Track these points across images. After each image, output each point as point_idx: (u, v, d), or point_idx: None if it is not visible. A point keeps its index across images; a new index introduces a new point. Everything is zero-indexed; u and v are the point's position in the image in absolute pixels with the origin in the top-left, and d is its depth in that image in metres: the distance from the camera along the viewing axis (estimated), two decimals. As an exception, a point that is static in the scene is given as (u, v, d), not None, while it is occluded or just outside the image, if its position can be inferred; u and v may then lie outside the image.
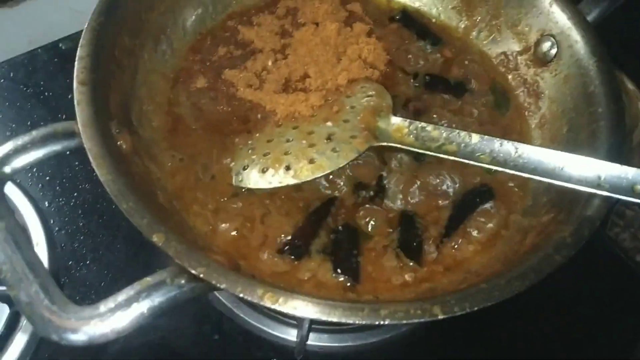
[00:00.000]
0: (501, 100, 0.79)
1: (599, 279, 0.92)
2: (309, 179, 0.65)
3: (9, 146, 0.56)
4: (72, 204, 0.86)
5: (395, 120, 0.69)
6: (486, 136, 0.65)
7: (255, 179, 0.66)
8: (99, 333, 0.48)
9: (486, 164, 0.64)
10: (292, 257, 0.63)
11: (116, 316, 0.49)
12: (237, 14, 0.84)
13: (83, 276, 0.81)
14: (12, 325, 0.75)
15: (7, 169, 0.56)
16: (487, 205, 0.70)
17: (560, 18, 0.75)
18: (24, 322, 0.75)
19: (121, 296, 0.50)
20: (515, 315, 0.80)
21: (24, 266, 0.50)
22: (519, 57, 0.81)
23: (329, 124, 0.70)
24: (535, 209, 0.68)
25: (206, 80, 0.76)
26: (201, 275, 0.50)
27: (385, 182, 0.70)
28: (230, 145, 0.71)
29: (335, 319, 0.50)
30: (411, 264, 0.65)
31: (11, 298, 0.50)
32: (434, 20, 0.88)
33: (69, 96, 0.94)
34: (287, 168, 0.65)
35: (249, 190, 0.67)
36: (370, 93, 0.73)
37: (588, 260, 0.89)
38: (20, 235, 0.52)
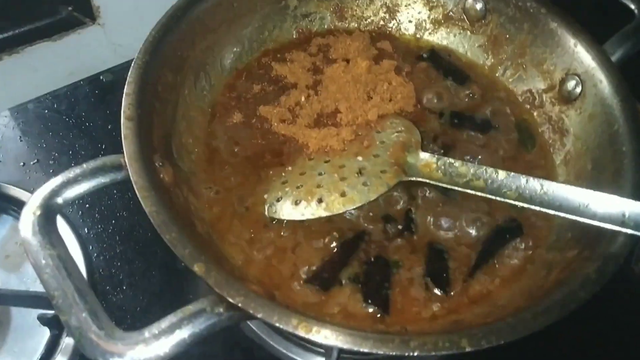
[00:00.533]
0: (526, 137, 0.81)
1: (624, 314, 0.92)
2: (340, 211, 0.68)
3: (60, 178, 0.59)
4: (110, 231, 0.90)
5: (424, 155, 0.72)
6: (512, 173, 0.67)
7: (288, 210, 0.69)
8: (144, 358, 0.51)
9: (512, 200, 0.66)
10: (320, 287, 0.66)
11: (160, 342, 0.51)
12: (272, 51, 0.88)
13: (120, 301, 0.84)
14: (52, 347, 0.78)
15: (59, 200, 0.59)
16: (516, 240, 0.71)
17: (585, 58, 0.77)
18: (63, 345, 0.79)
19: (164, 323, 0.53)
20: (538, 350, 0.81)
21: (74, 293, 0.53)
22: (544, 95, 0.83)
23: (360, 158, 0.72)
24: (559, 245, 0.69)
25: (242, 115, 0.79)
26: (239, 305, 0.53)
27: (413, 215, 0.72)
28: (264, 177, 0.74)
29: (366, 350, 0.52)
30: (439, 293, 0.66)
31: (62, 323, 0.53)
32: (461, 58, 0.91)
33: (109, 127, 1.01)
34: (320, 200, 0.68)
35: (282, 221, 0.70)
36: (400, 129, 0.76)
37: (612, 295, 0.91)
38: (70, 264, 0.55)
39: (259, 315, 0.53)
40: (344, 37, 0.88)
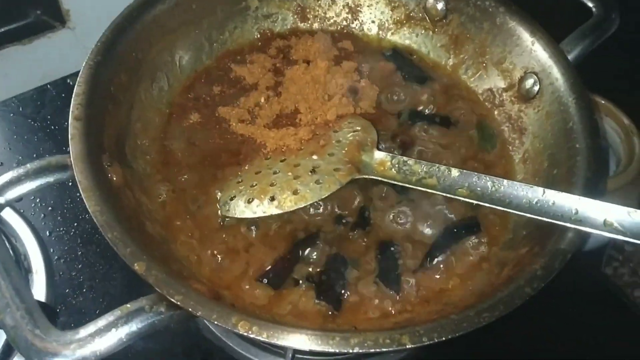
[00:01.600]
0: (487, 136, 0.81)
1: (595, 317, 0.92)
2: (292, 209, 0.68)
3: (4, 178, 0.59)
4: (71, 233, 0.90)
5: (379, 154, 0.72)
6: (465, 170, 0.67)
7: (241, 208, 0.69)
8: (79, 356, 0.50)
9: (464, 197, 0.66)
10: (270, 286, 0.65)
11: (96, 341, 0.51)
12: (232, 53, 0.87)
13: (79, 304, 0.83)
14: (8, 349, 0.77)
15: (1, 200, 0.59)
16: (472, 238, 0.71)
17: (542, 56, 0.78)
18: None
19: (101, 321, 0.52)
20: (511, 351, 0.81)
21: (11, 291, 0.53)
22: (504, 94, 0.83)
23: (315, 157, 0.72)
24: (514, 243, 0.69)
25: (200, 116, 0.79)
26: (178, 303, 0.53)
27: (368, 213, 0.72)
28: (220, 177, 0.74)
29: (306, 347, 0.52)
30: (390, 292, 0.66)
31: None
32: (424, 57, 0.91)
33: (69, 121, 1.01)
34: (272, 199, 0.68)
35: (236, 220, 0.69)
36: (357, 128, 0.76)
37: (584, 299, 0.91)
38: (9, 263, 0.55)
39: (198, 313, 0.53)
40: (305, 38, 0.88)
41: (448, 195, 0.66)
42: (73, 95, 0.66)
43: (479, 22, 0.84)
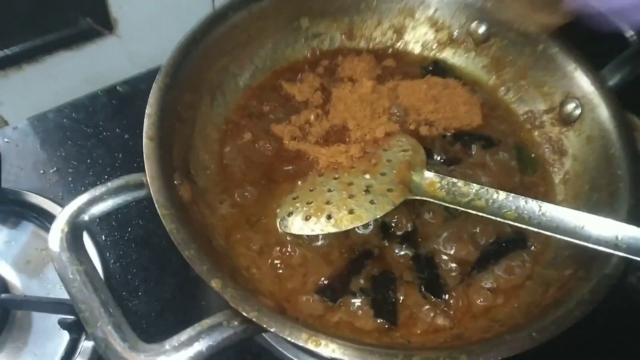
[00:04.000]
0: (526, 158, 0.84)
1: (619, 326, 0.95)
2: (348, 228, 0.71)
3: (87, 196, 0.63)
4: (126, 238, 0.94)
5: (429, 174, 0.75)
6: (512, 194, 0.70)
7: (299, 225, 0.73)
8: (166, 368, 0.55)
9: (511, 220, 0.69)
10: (328, 300, 0.69)
11: (180, 354, 0.55)
12: (283, 70, 0.92)
13: (135, 307, 0.87)
14: (71, 351, 0.82)
15: (85, 217, 0.63)
16: (517, 254, 0.75)
17: (584, 82, 0.81)
18: (81, 348, 0.82)
19: (184, 336, 0.56)
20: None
21: (100, 306, 0.57)
22: (544, 116, 0.86)
23: (367, 176, 0.76)
24: (557, 263, 0.73)
25: (253, 132, 0.83)
26: (253, 319, 0.57)
27: (415, 229, 0.76)
28: (276, 193, 0.78)
29: (371, 364, 0.56)
30: (438, 301, 0.70)
31: (82, 328, 0.57)
32: (463, 75, 0.94)
33: (126, 136, 1.05)
34: (329, 217, 0.72)
35: (293, 235, 0.73)
36: (406, 147, 0.79)
37: (607, 307, 0.94)
38: (96, 278, 0.59)
39: (272, 330, 0.57)
40: (351, 57, 0.91)
41: (496, 218, 0.70)
42: (145, 116, 0.69)
43: (521, 46, 0.88)
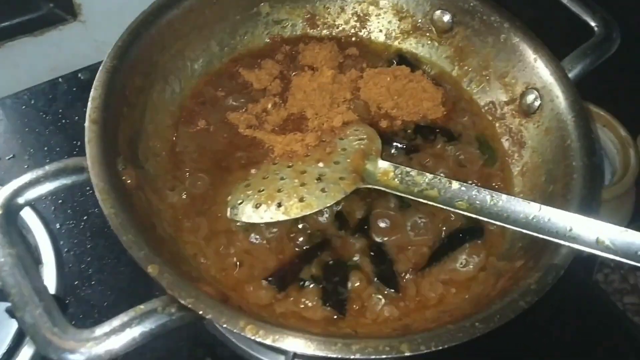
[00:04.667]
0: (486, 149, 0.83)
1: (585, 323, 0.95)
2: (297, 216, 0.70)
3: (23, 179, 0.61)
4: (81, 227, 0.92)
5: (383, 164, 0.74)
6: (465, 184, 0.69)
7: (249, 213, 0.71)
8: (94, 354, 0.53)
9: (463, 210, 0.68)
10: (276, 288, 0.68)
11: (110, 340, 0.54)
12: (241, 57, 0.90)
13: (88, 296, 0.86)
14: (19, 339, 0.80)
15: (21, 200, 0.61)
16: (475, 242, 0.74)
17: (544, 73, 0.80)
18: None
19: (116, 321, 0.55)
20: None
21: (30, 290, 0.55)
22: (505, 107, 0.85)
23: (321, 164, 0.75)
24: (510, 254, 0.72)
25: (209, 119, 0.82)
26: (190, 306, 0.55)
27: (369, 217, 0.74)
28: (229, 180, 0.76)
29: (309, 352, 0.54)
30: (388, 292, 0.69)
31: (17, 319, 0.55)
32: (429, 65, 0.93)
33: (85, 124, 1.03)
34: (279, 205, 0.70)
35: (243, 224, 0.72)
36: (362, 136, 0.78)
37: (574, 304, 0.94)
38: (28, 262, 0.57)
39: (208, 317, 0.55)
40: (312, 45, 0.90)
41: (447, 207, 0.69)
42: (90, 99, 0.68)
43: (484, 36, 0.87)
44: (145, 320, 0.55)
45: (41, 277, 0.58)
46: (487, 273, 0.72)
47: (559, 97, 0.77)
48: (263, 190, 0.73)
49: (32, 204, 0.88)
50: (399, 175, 0.73)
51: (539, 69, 0.81)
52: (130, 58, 0.74)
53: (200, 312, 0.55)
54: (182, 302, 0.55)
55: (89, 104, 0.67)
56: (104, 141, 0.66)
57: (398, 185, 0.72)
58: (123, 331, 0.54)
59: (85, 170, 0.63)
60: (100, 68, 0.71)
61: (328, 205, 0.70)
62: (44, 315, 0.54)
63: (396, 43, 0.95)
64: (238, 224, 0.72)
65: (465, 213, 0.68)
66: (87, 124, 0.66)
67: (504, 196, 0.67)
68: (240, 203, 0.72)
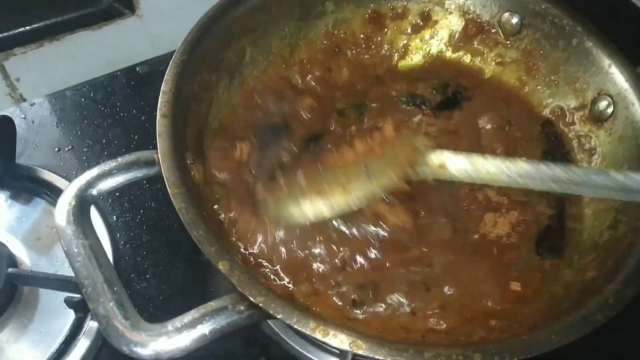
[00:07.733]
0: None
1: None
2: (346, 211, 0.67)
3: (96, 170, 0.62)
4: (138, 220, 0.92)
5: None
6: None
7: (300, 211, 0.69)
8: (165, 350, 0.53)
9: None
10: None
11: (182, 335, 0.53)
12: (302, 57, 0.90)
13: (143, 289, 0.86)
14: (76, 330, 0.81)
15: (94, 192, 0.61)
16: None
17: (619, 79, 0.77)
18: (87, 327, 0.81)
19: (187, 317, 0.54)
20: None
21: (103, 283, 0.56)
22: (575, 113, 0.83)
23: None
24: (581, 265, 0.70)
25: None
26: (260, 304, 0.54)
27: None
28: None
29: (380, 357, 0.53)
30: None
31: (88, 308, 0.55)
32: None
33: (142, 118, 1.04)
34: (327, 201, 0.68)
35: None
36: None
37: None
38: (101, 254, 0.58)
39: (279, 316, 0.54)
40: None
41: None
42: (160, 93, 0.68)
43: (554, 40, 0.84)
44: (216, 317, 0.55)
45: (114, 269, 0.57)
46: (557, 283, 0.69)
47: (635, 105, 0.74)
48: (312, 187, 0.69)
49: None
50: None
51: (614, 74, 0.77)
52: (198, 53, 0.73)
53: (271, 311, 0.54)
54: (253, 300, 0.55)
55: (160, 98, 0.67)
56: (174, 135, 0.65)
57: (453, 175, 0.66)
58: (194, 327, 0.54)
59: (156, 164, 0.63)
60: (170, 63, 0.70)
61: (377, 198, 0.68)
62: (117, 308, 0.55)
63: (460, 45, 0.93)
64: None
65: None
66: (158, 117, 0.66)
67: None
68: (292, 201, 0.70)
